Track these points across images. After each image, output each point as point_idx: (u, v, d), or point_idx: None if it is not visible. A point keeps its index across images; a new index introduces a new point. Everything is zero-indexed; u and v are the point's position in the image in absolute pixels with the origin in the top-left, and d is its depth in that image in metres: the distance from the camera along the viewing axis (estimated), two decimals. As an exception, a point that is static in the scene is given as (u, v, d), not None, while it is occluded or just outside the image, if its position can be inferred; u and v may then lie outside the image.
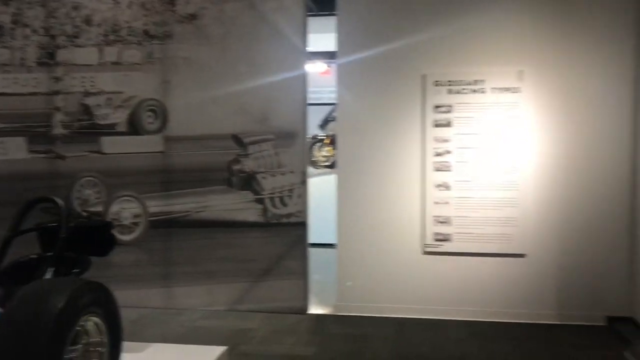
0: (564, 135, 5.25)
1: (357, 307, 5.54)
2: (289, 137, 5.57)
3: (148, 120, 5.74)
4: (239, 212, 5.64)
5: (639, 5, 5.06)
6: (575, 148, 5.24)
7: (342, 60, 5.56)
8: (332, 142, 8.76)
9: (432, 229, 5.44)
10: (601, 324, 5.19)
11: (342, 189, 5.60)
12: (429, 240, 5.45)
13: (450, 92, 5.37)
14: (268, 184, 5.63)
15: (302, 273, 5.61)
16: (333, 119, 8.76)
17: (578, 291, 5.27)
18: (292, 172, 5.60)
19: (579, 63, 5.20)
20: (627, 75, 5.13)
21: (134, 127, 5.76)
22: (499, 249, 5.33)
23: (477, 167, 5.35)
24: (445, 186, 5.41)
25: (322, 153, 8.76)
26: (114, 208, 5.77)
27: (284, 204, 5.61)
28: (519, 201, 5.29)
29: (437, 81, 5.38)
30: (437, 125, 5.39)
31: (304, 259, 5.61)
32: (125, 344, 2.73)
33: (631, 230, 5.16)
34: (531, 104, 5.25)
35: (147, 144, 5.74)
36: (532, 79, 5.23)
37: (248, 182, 5.65)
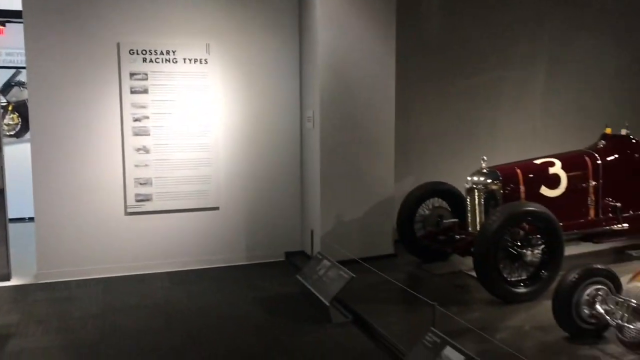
0: (247, 101, 6.09)
1: (62, 273, 5.60)
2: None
3: None
4: None
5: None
6: (256, 112, 6.12)
7: (30, 21, 5.35)
8: (15, 108, 8.23)
9: (134, 190, 5.79)
10: (281, 259, 6.30)
11: (38, 158, 5.51)
12: (131, 201, 5.79)
13: (145, 60, 5.72)
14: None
15: (2, 241, 5.42)
16: (16, 84, 8.21)
17: (262, 234, 6.25)
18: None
19: (256, 38, 6.05)
20: (294, 51, 6.18)
21: None
22: (196, 204, 5.99)
23: (173, 131, 5.85)
24: (144, 150, 5.78)
25: (5, 121, 8.07)
26: None
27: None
28: (212, 161, 5.99)
29: (131, 50, 5.66)
30: (134, 92, 5.70)
31: (2, 227, 5.42)
32: None
33: (301, 182, 6.32)
34: (218, 74, 5.94)
35: None
36: (218, 52, 5.91)
37: None
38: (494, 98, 7.05)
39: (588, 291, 3.82)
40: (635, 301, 3.34)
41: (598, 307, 3.76)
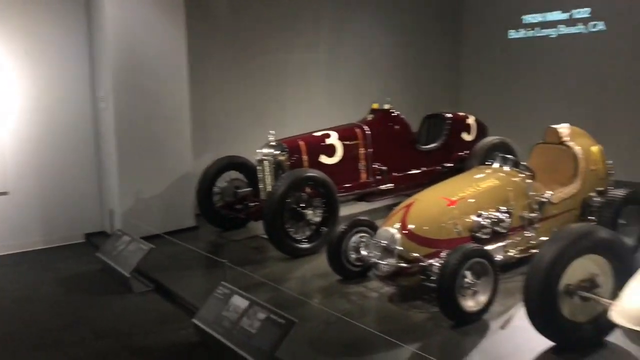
0: (32, 81, 5.89)
1: None
2: None
3: None
4: None
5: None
6: (43, 93, 5.96)
7: None
8: None
9: None
10: (81, 240, 6.26)
11: None
12: None
13: None
14: None
15: None
16: None
17: (60, 217, 6.15)
18: None
19: (39, 16, 5.85)
20: (82, 29, 6.10)
21: None
22: (-18, 190, 5.71)
23: (-51, 114, 5.49)
24: None
25: None
26: None
27: None
28: (-3, 144, 5.74)
29: None
30: None
31: None
32: None
33: (98, 163, 6.32)
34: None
35: None
36: (-4, 30, 5.64)
37: None
38: (281, 78, 7.64)
39: (354, 239, 4.56)
40: (385, 241, 4.10)
41: (362, 251, 4.50)
